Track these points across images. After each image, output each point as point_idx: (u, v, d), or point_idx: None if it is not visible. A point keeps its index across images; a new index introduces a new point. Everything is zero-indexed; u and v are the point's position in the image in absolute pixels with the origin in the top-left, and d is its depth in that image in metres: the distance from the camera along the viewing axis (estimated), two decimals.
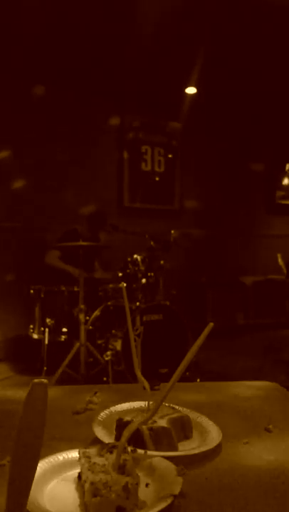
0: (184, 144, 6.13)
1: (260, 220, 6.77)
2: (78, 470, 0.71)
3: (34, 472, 0.50)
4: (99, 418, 0.93)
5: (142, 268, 3.82)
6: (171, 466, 0.71)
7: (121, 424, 0.85)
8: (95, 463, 0.67)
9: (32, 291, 3.91)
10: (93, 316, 3.82)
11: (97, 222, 4.39)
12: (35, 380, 0.49)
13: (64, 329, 3.78)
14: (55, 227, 4.41)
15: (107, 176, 5.67)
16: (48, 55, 4.47)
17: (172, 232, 4.03)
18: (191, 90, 5.29)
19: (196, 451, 0.80)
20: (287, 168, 6.92)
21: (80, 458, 0.71)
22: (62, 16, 3.86)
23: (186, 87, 5.22)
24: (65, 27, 4.03)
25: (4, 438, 0.90)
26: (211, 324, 0.76)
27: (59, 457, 0.75)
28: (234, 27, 4.06)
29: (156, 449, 0.79)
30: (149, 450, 0.77)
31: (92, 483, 0.61)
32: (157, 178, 6.04)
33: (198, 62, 4.55)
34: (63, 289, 3.83)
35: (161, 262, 3.92)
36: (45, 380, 0.49)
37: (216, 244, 6.19)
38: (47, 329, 3.73)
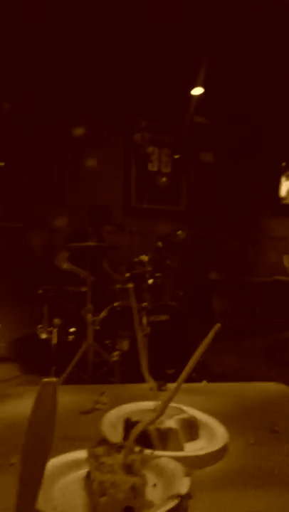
0: (190, 145, 6.13)
1: (266, 220, 6.76)
2: (86, 469, 0.72)
3: (44, 471, 0.50)
4: (107, 418, 0.94)
5: (149, 269, 3.83)
6: (178, 467, 0.71)
7: (129, 424, 0.86)
8: (102, 462, 0.68)
9: (40, 291, 3.92)
10: (100, 316, 3.83)
11: (99, 217, 4.35)
12: (45, 380, 0.50)
13: (72, 329, 3.80)
14: (63, 228, 4.42)
15: (114, 177, 5.68)
16: (56, 56, 4.49)
17: (179, 232, 4.02)
18: (197, 91, 5.28)
19: (203, 452, 0.80)
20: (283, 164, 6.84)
21: (88, 457, 0.71)
22: (69, 17, 3.87)
23: (193, 87, 5.21)
24: (72, 28, 4.04)
25: (14, 437, 0.91)
26: (218, 325, 0.77)
27: (67, 457, 0.76)
28: (240, 28, 4.05)
29: (164, 450, 0.79)
30: (157, 450, 0.78)
31: (100, 483, 0.62)
32: (164, 179, 6.04)
33: (204, 63, 4.55)
34: (71, 289, 3.84)
35: (168, 262, 3.92)
36: (54, 379, 0.50)
37: (222, 245, 6.18)
38: (55, 329, 3.74)
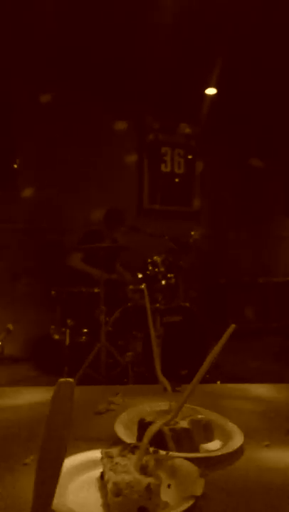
0: (203, 145, 6.12)
1: (281, 220, 6.71)
2: (100, 470, 0.72)
3: (60, 471, 0.50)
4: (121, 418, 0.94)
5: (162, 269, 3.83)
6: (192, 468, 0.71)
7: (143, 425, 0.86)
8: (117, 463, 0.68)
9: (53, 292, 3.94)
10: (113, 317, 3.83)
11: (115, 221, 4.38)
12: (62, 380, 0.50)
13: (84, 330, 3.81)
14: (76, 229, 4.44)
15: (127, 178, 5.69)
16: (69, 56, 4.51)
17: (192, 233, 4.01)
18: (210, 91, 5.26)
19: (218, 453, 0.80)
20: None
21: (102, 458, 0.71)
22: (82, 18, 3.89)
23: (206, 88, 5.20)
24: (85, 29, 4.06)
25: (27, 438, 0.91)
26: (233, 326, 0.76)
27: (82, 457, 0.76)
28: (254, 27, 4.03)
29: (178, 450, 0.79)
30: (171, 451, 0.78)
31: (114, 483, 0.62)
32: (177, 180, 6.03)
33: (218, 63, 4.53)
34: (84, 290, 3.85)
35: (181, 263, 3.91)
36: (71, 380, 0.50)
37: (235, 246, 6.16)
38: (68, 330, 3.76)
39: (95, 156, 5.30)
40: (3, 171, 4.82)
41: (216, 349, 0.77)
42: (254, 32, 4.11)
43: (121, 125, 5.55)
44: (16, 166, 4.86)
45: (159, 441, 0.79)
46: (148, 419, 0.86)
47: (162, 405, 0.99)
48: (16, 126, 4.84)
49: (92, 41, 4.24)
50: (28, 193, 4.92)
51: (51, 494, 0.50)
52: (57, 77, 4.86)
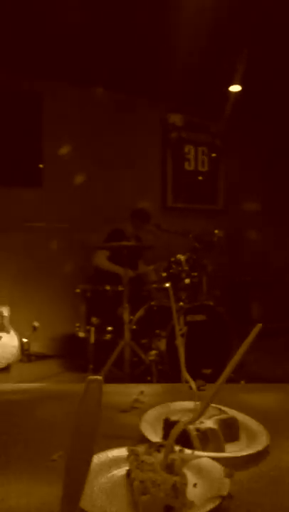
0: (228, 143, 6.07)
1: None
2: (126, 468, 0.72)
3: (88, 469, 0.51)
4: (146, 417, 0.94)
5: (186, 268, 3.82)
6: (218, 467, 0.71)
7: (168, 424, 0.86)
8: (143, 461, 0.68)
9: (78, 290, 3.98)
10: (137, 315, 3.85)
11: (140, 220, 4.40)
12: (91, 377, 0.50)
13: (109, 328, 3.83)
14: (101, 228, 4.47)
15: (151, 176, 5.69)
16: (94, 55, 4.53)
17: (216, 231, 3.99)
18: (235, 88, 5.21)
19: (244, 453, 0.79)
20: None
21: (128, 456, 0.72)
22: (107, 17, 3.90)
23: (230, 85, 5.15)
24: (110, 28, 4.07)
25: (55, 434, 0.93)
26: (260, 325, 0.75)
27: (108, 454, 0.77)
28: (279, 23, 3.97)
29: (204, 450, 0.79)
30: (197, 450, 0.78)
31: (141, 482, 0.62)
32: (201, 178, 6.00)
33: (242, 60, 4.48)
34: (108, 288, 3.88)
35: (205, 261, 3.89)
36: (100, 378, 0.50)
37: (260, 244, 6.09)
38: (92, 328, 3.79)
39: (119, 155, 5.32)
40: (29, 170, 4.88)
41: (242, 348, 0.76)
42: (279, 27, 4.05)
43: (145, 123, 5.55)
44: (41, 165, 4.92)
45: (184, 440, 0.79)
46: (173, 418, 0.87)
47: (187, 404, 0.99)
48: (43, 124, 4.90)
49: (117, 40, 4.25)
50: (53, 192, 4.97)
51: (79, 493, 0.51)
52: (84, 76, 4.90)
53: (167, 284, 3.83)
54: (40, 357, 4.50)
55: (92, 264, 4.37)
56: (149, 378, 3.46)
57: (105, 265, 4.21)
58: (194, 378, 0.93)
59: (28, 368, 4.23)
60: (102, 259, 4.25)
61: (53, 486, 0.69)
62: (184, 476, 0.64)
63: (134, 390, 1.18)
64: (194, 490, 0.67)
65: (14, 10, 3.72)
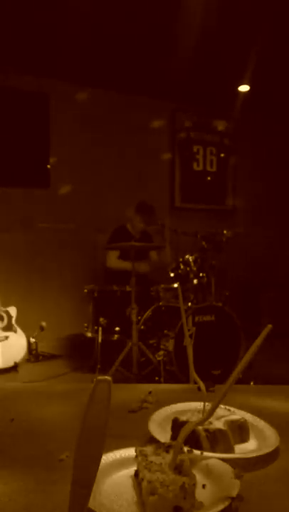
0: (236, 143, 6.05)
1: None
2: (135, 468, 0.72)
3: (97, 469, 0.51)
4: (154, 417, 0.94)
5: (194, 268, 3.80)
6: (228, 469, 0.70)
7: (177, 424, 0.85)
8: (151, 461, 0.67)
9: (85, 290, 3.98)
10: (145, 315, 3.84)
11: (146, 212, 4.34)
12: (100, 377, 0.50)
13: (116, 328, 3.83)
14: (109, 228, 4.47)
15: (159, 176, 5.68)
16: (103, 56, 4.54)
17: (224, 232, 3.97)
18: (244, 88, 5.19)
19: (254, 455, 0.79)
20: None
21: (136, 456, 0.72)
22: (116, 17, 3.90)
23: (239, 85, 5.13)
24: (118, 28, 4.07)
25: (62, 434, 0.92)
26: (270, 326, 0.75)
27: (116, 454, 0.76)
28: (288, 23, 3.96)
29: (213, 451, 0.78)
30: (206, 451, 0.77)
31: (149, 482, 0.62)
32: (209, 178, 5.99)
33: (251, 60, 4.47)
34: (116, 288, 3.88)
35: (213, 262, 3.88)
36: (109, 378, 0.50)
37: (269, 245, 6.06)
38: (100, 328, 3.79)
39: (127, 155, 5.32)
40: (37, 170, 4.90)
41: (252, 349, 0.75)
42: (288, 26, 4.03)
43: (153, 124, 5.55)
44: (49, 166, 4.93)
45: (193, 441, 0.79)
46: (182, 418, 0.86)
47: (196, 405, 0.98)
48: (50, 125, 4.92)
49: (126, 40, 4.25)
50: (61, 192, 4.98)
51: (88, 493, 0.50)
52: (91, 76, 4.91)
53: (176, 285, 3.82)
54: (48, 357, 4.51)
55: (104, 266, 4.37)
56: (157, 378, 3.45)
57: (119, 265, 4.20)
58: (203, 379, 0.92)
59: (36, 368, 4.24)
60: (114, 260, 4.26)
61: (61, 486, 0.69)
62: (192, 477, 0.64)
63: (142, 391, 1.17)
64: (203, 491, 0.66)
65: (21, 12, 3.74)
